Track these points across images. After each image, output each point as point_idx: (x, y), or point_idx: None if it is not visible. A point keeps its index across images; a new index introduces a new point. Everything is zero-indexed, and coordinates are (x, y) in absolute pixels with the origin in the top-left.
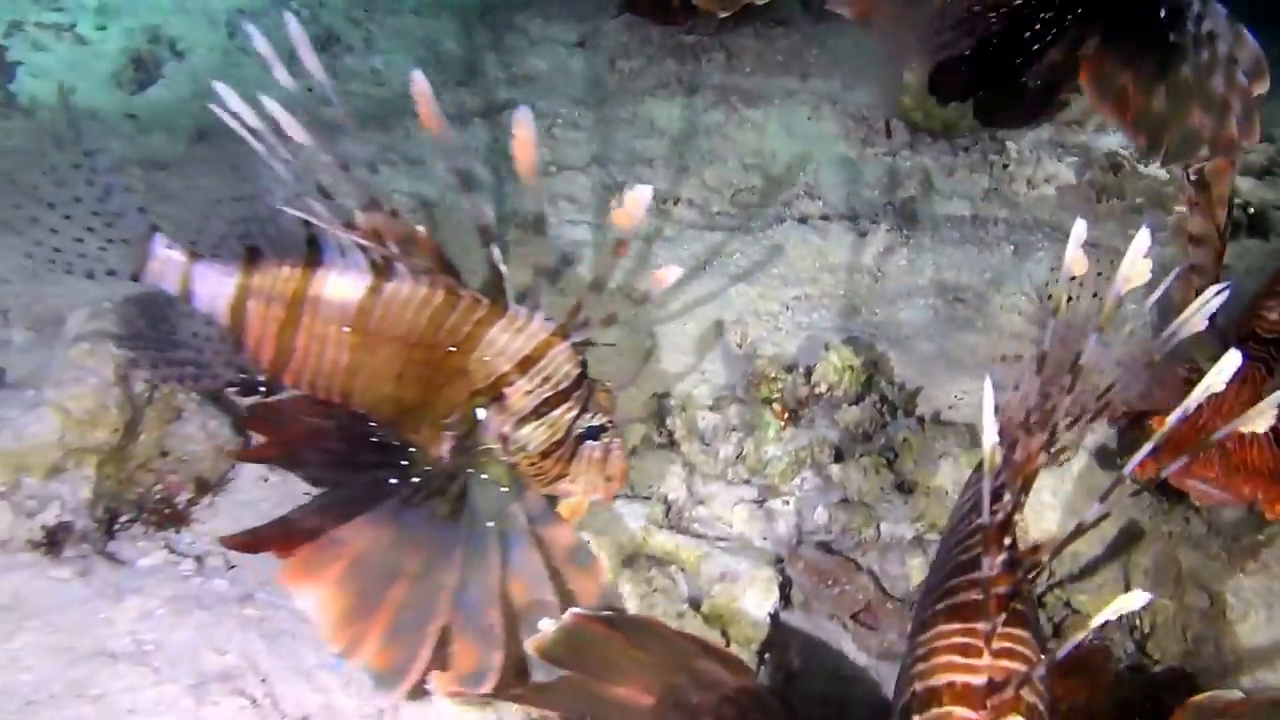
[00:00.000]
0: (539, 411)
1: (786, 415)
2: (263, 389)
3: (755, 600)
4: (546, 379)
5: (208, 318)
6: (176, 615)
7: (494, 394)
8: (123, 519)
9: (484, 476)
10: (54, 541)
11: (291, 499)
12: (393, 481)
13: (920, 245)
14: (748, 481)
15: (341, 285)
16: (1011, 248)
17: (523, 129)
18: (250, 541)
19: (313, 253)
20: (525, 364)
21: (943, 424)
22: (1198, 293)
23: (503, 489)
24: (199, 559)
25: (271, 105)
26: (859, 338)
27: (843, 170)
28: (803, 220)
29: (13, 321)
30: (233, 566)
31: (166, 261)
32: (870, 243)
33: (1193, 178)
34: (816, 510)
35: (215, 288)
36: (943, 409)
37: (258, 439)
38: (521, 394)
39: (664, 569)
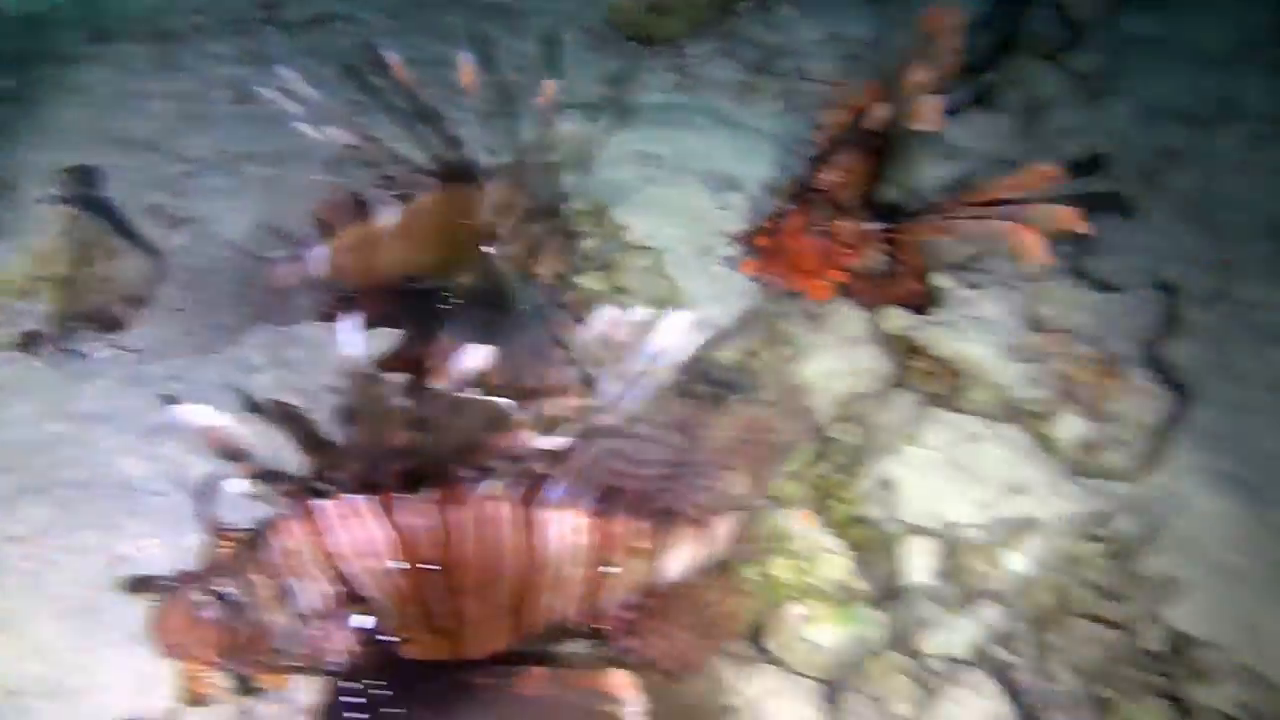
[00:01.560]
0: None
1: None
2: None
3: None
4: None
5: None
6: (125, 388)
7: None
8: (77, 327)
9: None
10: (29, 343)
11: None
12: None
13: None
14: None
15: None
16: None
17: None
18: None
19: None
20: None
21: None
22: None
23: None
24: (138, 352)
25: None
26: None
27: None
28: None
29: None
30: (165, 359)
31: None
32: None
33: None
34: None
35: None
36: None
37: None
38: None
39: None
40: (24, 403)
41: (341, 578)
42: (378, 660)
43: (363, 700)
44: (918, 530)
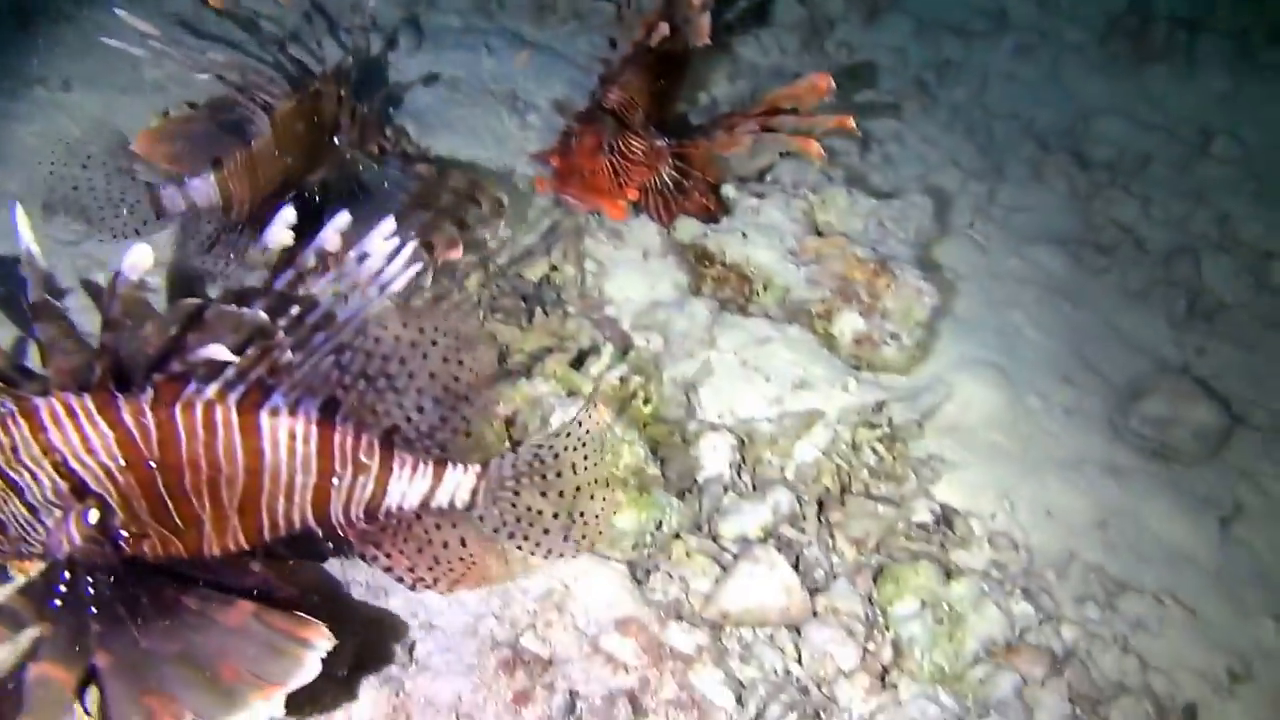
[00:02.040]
0: None
1: None
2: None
3: None
4: None
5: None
6: None
7: None
8: None
9: None
10: None
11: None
12: None
13: None
14: None
15: None
16: None
17: None
18: None
19: None
20: None
21: None
22: None
23: None
24: None
25: None
26: None
27: None
28: None
29: None
30: None
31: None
32: None
33: None
34: None
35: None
36: None
37: None
38: None
39: None
40: None
41: (66, 473)
42: (106, 555)
43: (71, 591)
44: (714, 427)
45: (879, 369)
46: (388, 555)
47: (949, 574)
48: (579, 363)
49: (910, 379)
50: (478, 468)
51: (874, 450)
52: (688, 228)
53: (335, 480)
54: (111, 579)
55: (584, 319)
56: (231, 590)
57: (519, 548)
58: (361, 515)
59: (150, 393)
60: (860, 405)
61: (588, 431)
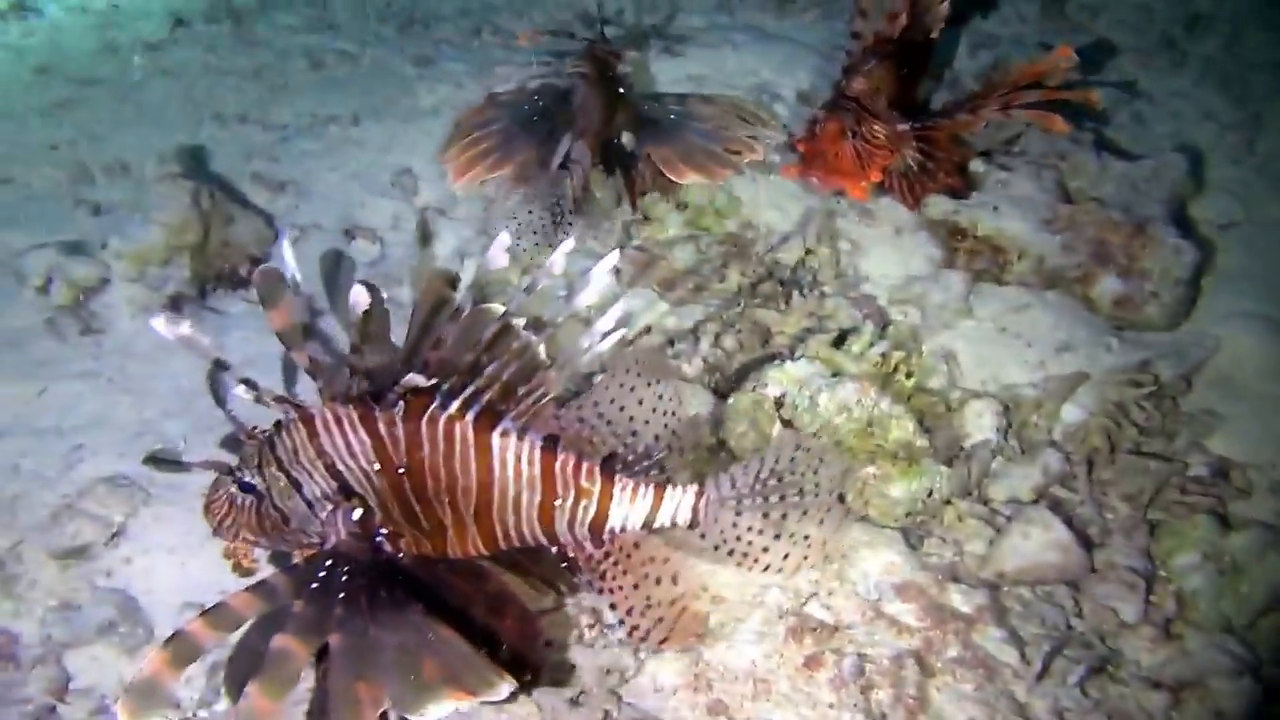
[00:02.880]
0: None
1: None
2: None
3: None
4: None
5: None
6: (261, 337)
7: None
8: (211, 287)
9: None
10: (175, 304)
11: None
12: None
13: None
14: None
15: None
16: None
17: None
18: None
19: None
20: None
21: None
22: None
23: None
24: None
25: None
26: None
27: None
28: None
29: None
30: None
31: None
32: None
33: None
34: None
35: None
36: None
37: None
38: None
39: None
40: (182, 357)
41: (335, 473)
42: (364, 550)
43: (328, 577)
44: (978, 394)
45: (1142, 328)
46: (611, 590)
47: (1229, 525)
48: (840, 342)
49: (1175, 336)
50: (696, 486)
51: (1142, 408)
52: (938, 204)
53: (558, 501)
54: (363, 572)
55: (841, 298)
56: (468, 594)
57: (738, 564)
58: (587, 535)
59: (401, 406)
60: (1125, 364)
61: (809, 452)
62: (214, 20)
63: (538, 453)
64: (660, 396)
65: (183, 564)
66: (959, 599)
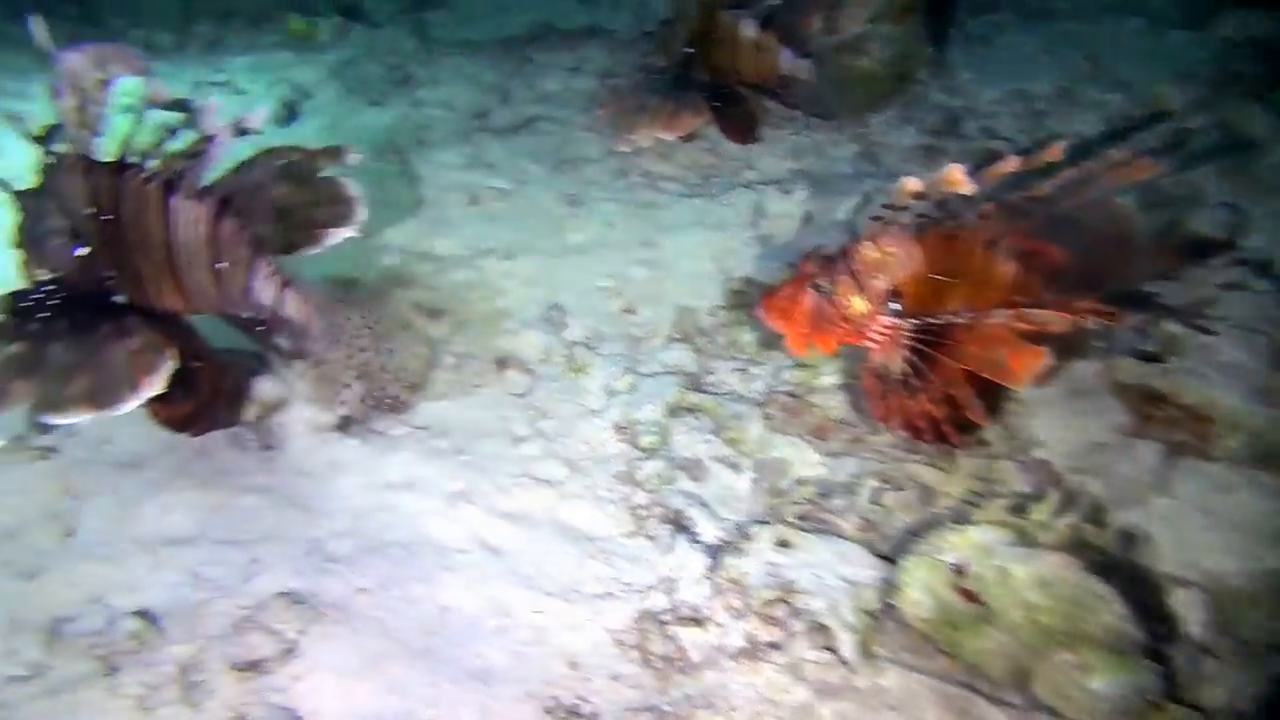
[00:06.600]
0: None
1: None
2: None
3: None
4: None
5: None
6: (424, 460)
7: None
8: (378, 411)
9: None
10: (345, 425)
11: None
12: None
13: None
14: None
15: None
16: None
17: None
18: None
19: None
20: None
21: None
22: None
23: None
24: (426, 428)
25: None
26: None
27: None
28: None
29: None
30: (447, 434)
31: None
32: None
33: None
34: None
35: None
36: None
37: None
38: None
39: None
40: (351, 476)
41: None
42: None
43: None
44: (1179, 581)
45: None
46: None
47: None
48: (1019, 509)
49: None
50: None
51: None
52: (1128, 367)
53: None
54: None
55: (1010, 461)
56: None
57: None
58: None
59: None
60: None
61: None
62: (377, 155)
63: (207, 213)
64: None
65: (348, 688)
66: None
